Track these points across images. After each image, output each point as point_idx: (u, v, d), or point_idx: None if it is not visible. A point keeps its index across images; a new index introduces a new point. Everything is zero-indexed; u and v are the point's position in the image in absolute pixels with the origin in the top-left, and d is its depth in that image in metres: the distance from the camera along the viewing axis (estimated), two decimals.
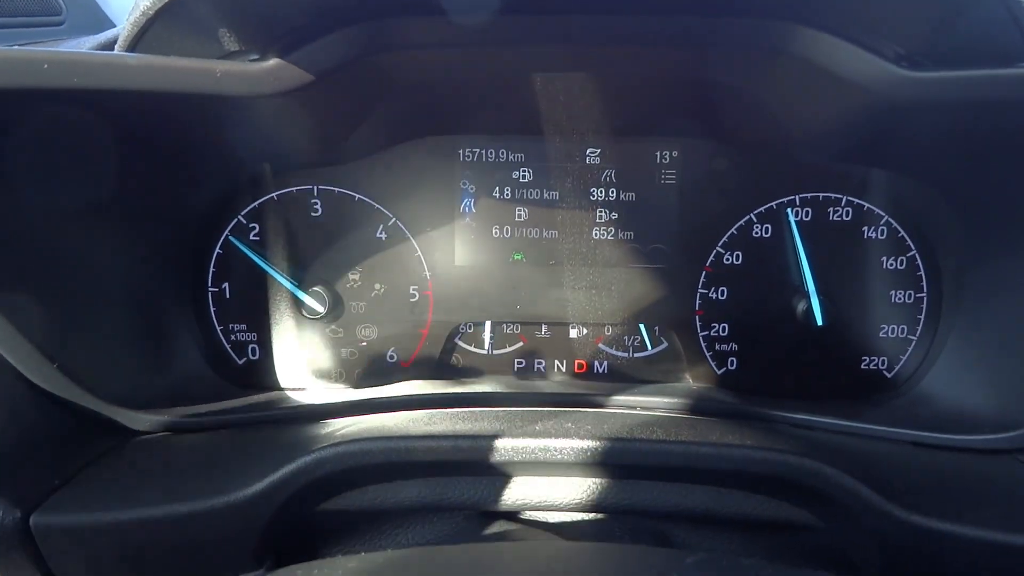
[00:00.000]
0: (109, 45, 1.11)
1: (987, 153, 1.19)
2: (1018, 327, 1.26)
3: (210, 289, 1.47)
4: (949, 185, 1.32)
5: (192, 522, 1.03)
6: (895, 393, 1.46)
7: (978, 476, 1.16)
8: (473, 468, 1.14)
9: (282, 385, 1.51)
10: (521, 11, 1.05)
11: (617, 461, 1.10)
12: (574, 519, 1.18)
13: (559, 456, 1.10)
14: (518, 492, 1.15)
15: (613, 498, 1.14)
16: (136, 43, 1.03)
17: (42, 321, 1.09)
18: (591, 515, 1.18)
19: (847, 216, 1.42)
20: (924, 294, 1.44)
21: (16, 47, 1.00)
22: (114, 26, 1.48)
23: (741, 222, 1.44)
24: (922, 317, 1.44)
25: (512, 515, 1.19)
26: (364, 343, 1.51)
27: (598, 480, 1.14)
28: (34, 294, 1.10)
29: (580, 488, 1.14)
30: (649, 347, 1.53)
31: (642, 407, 1.38)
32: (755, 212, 1.44)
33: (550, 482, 1.15)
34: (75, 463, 1.13)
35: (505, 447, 1.10)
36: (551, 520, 1.18)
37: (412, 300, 1.50)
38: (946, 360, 1.40)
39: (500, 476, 1.15)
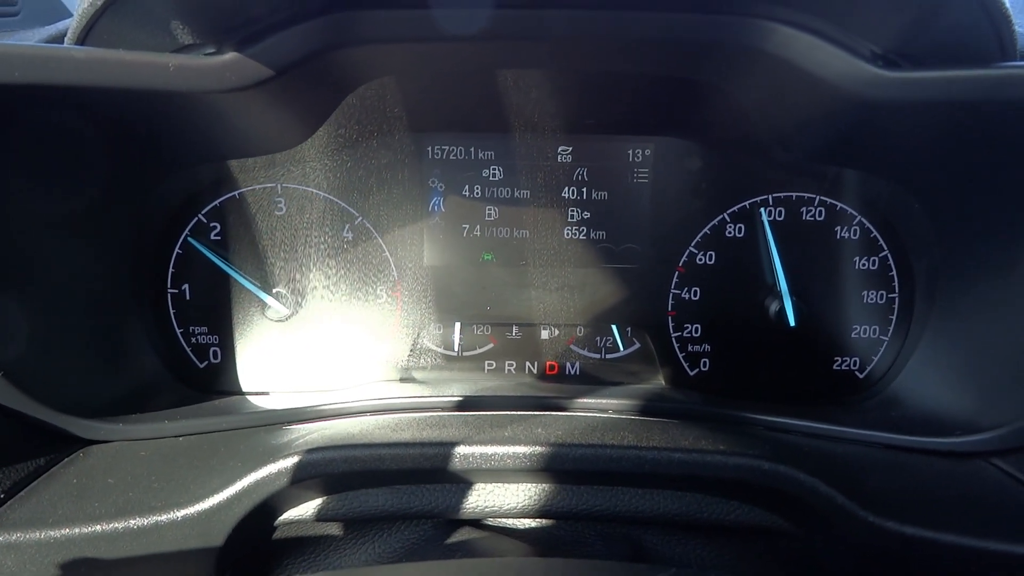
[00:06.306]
0: (60, 38, 1.07)
1: (960, 154, 1.18)
2: (989, 329, 1.26)
3: (169, 291, 1.42)
4: (922, 186, 1.32)
5: (148, 536, 1.00)
6: (866, 394, 1.46)
7: (950, 480, 1.16)
8: (441, 476, 1.11)
9: (244, 390, 1.47)
10: (494, 5, 1.02)
11: (590, 467, 1.09)
12: (546, 527, 1.15)
13: (530, 463, 1.08)
14: (487, 500, 1.13)
15: (586, 504, 1.12)
16: (85, 36, 0.98)
17: None
18: (565, 523, 1.16)
19: (820, 216, 1.41)
20: (896, 295, 1.44)
21: None
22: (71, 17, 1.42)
23: (714, 222, 1.43)
24: (894, 318, 1.44)
25: (481, 524, 1.17)
26: (330, 346, 1.47)
27: (571, 487, 1.13)
28: None
29: (553, 495, 1.12)
30: (621, 348, 1.51)
31: (614, 410, 1.36)
32: (728, 212, 1.42)
33: (521, 489, 1.13)
34: (22, 475, 1.08)
35: (474, 454, 1.08)
36: (522, 528, 1.16)
37: (379, 301, 1.46)
38: (917, 361, 1.40)
39: (469, 484, 1.13)
